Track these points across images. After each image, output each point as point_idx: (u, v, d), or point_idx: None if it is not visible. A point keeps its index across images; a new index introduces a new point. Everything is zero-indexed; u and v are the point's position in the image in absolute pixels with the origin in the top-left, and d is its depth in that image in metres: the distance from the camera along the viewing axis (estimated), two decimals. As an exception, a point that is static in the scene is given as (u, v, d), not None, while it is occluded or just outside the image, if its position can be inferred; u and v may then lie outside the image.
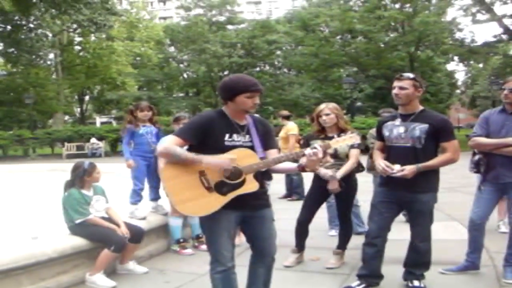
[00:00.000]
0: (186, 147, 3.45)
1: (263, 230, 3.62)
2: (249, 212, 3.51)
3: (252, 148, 3.45)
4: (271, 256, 3.69)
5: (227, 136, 3.42)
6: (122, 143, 6.52)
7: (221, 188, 3.32)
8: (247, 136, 3.49)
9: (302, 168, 3.49)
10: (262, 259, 3.68)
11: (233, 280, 3.57)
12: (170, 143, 3.38)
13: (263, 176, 3.56)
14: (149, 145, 6.31)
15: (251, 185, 3.37)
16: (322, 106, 5.34)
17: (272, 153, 3.59)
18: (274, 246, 3.70)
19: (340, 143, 3.50)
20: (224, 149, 3.36)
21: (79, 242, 4.97)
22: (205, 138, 3.39)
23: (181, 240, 6.13)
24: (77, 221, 4.98)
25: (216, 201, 3.32)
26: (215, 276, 3.52)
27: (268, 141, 3.60)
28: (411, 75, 4.36)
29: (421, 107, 4.40)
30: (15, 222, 6.50)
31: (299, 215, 5.45)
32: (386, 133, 4.47)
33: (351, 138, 3.51)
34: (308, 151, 3.33)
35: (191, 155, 3.31)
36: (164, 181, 3.47)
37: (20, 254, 4.47)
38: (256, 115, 3.81)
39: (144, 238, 5.45)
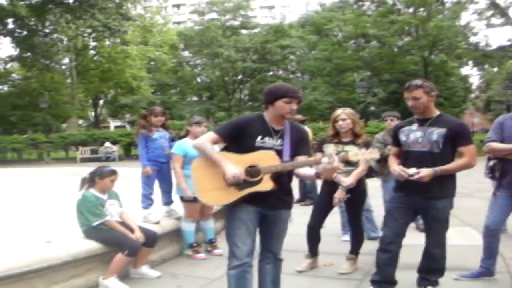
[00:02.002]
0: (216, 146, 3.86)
1: (274, 228, 3.83)
2: (267, 210, 3.72)
3: (281, 151, 3.67)
4: (273, 253, 3.87)
5: (259, 138, 3.68)
6: (138, 148, 6.47)
7: (239, 183, 3.54)
8: (280, 140, 3.72)
9: (318, 175, 3.64)
10: (266, 254, 3.88)
11: (247, 280, 3.67)
12: (206, 138, 3.75)
13: (289, 178, 3.83)
14: (162, 149, 6.31)
15: (266, 184, 3.56)
16: (339, 111, 5.32)
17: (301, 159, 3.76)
18: (279, 245, 3.92)
19: (359, 156, 3.64)
20: (254, 149, 3.63)
21: (92, 246, 4.99)
22: (239, 137, 3.68)
23: (194, 245, 6.13)
24: (95, 223, 5.00)
25: (232, 195, 3.60)
26: (230, 272, 3.65)
27: (300, 147, 3.80)
28: (419, 83, 4.26)
29: (437, 112, 4.36)
30: (29, 226, 6.54)
31: (309, 220, 5.45)
32: (402, 138, 4.43)
33: (371, 153, 3.62)
34: (324, 159, 3.44)
35: (215, 155, 3.63)
36: (193, 170, 3.75)
37: (34, 258, 4.48)
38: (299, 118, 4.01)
39: (157, 242, 5.45)
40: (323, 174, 3.54)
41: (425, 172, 4.11)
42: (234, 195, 3.59)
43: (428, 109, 4.32)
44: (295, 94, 3.70)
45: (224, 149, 3.77)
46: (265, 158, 3.58)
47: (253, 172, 3.56)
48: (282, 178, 3.68)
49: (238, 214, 3.66)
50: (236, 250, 3.64)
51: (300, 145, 3.80)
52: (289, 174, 3.79)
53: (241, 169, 3.53)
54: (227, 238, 3.76)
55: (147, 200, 6.29)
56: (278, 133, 3.73)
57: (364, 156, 3.62)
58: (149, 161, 6.25)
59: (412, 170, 4.16)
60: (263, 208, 3.70)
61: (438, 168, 4.13)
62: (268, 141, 3.68)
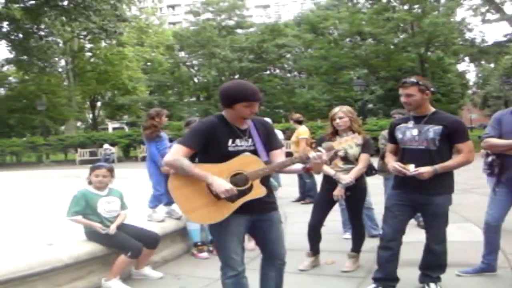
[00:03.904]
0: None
1: (271, 233, 3.64)
2: (257, 216, 3.53)
3: (255, 151, 3.47)
4: (281, 259, 3.70)
5: (230, 141, 3.42)
6: (150, 149, 6.51)
7: (232, 197, 3.32)
8: (250, 140, 3.50)
9: (308, 170, 3.54)
10: (272, 262, 3.69)
11: (245, 285, 3.59)
12: (177, 153, 3.37)
13: (268, 176, 3.58)
14: (168, 149, 6.42)
15: (258, 191, 3.40)
16: (336, 109, 5.31)
17: (276, 154, 3.60)
18: (283, 249, 3.73)
19: (343, 144, 3.52)
20: (228, 155, 3.38)
21: (94, 248, 4.99)
22: (209, 144, 3.39)
23: (199, 244, 6.14)
24: (68, 218, 5.04)
25: (226, 208, 3.35)
26: (227, 281, 3.54)
27: (271, 141, 3.61)
28: (414, 80, 4.27)
29: (433, 109, 4.37)
30: (30, 229, 6.55)
31: (310, 219, 5.43)
32: (399, 135, 4.44)
33: (353, 138, 3.52)
34: (312, 154, 3.36)
35: (197, 171, 3.30)
36: (173, 190, 3.41)
37: (36, 261, 4.49)
38: (267, 119, 3.85)
39: (159, 244, 5.45)
40: (314, 168, 3.48)
41: (424, 169, 4.12)
42: (227, 208, 3.35)
43: (423, 107, 4.32)
44: (255, 97, 3.39)
45: (191, 159, 3.46)
46: (250, 163, 3.38)
47: (238, 180, 3.34)
48: (265, 180, 3.50)
49: (228, 228, 3.43)
50: (231, 262, 3.49)
51: (270, 139, 3.60)
52: (268, 175, 3.59)
53: (226, 180, 3.30)
54: (219, 249, 3.60)
55: (157, 201, 6.41)
56: (245, 133, 3.50)
57: (347, 142, 3.50)
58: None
59: (411, 167, 4.18)
60: (252, 215, 3.49)
61: (437, 166, 4.14)
62: (240, 143, 3.44)
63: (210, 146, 3.39)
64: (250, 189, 3.37)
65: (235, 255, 3.48)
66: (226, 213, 3.35)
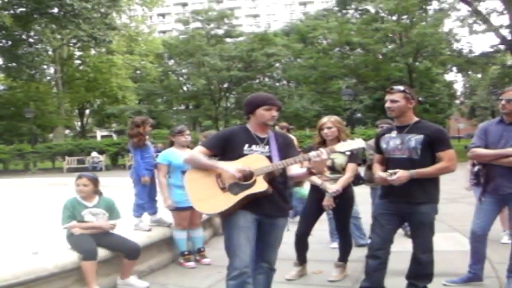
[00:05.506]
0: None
1: (269, 237, 3.85)
2: (265, 218, 3.75)
3: (269, 157, 3.74)
4: (268, 263, 3.90)
5: (246, 146, 3.78)
6: (135, 157, 6.45)
7: (234, 188, 3.65)
8: (267, 147, 3.81)
9: (310, 171, 3.70)
10: (260, 264, 3.87)
11: None
12: (196, 151, 3.90)
13: (284, 185, 3.92)
14: (152, 158, 6.41)
15: (260, 186, 3.63)
16: (325, 119, 5.34)
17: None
18: (274, 255, 3.94)
19: (346, 147, 3.69)
20: (242, 156, 3.74)
21: (80, 257, 4.93)
22: (227, 148, 3.82)
23: (186, 253, 6.12)
24: (62, 226, 5.01)
25: (228, 200, 3.65)
26: (229, 283, 3.63)
27: (287, 151, 3.86)
28: (401, 88, 4.36)
29: (416, 118, 4.40)
30: (15, 237, 6.48)
31: (297, 228, 5.44)
32: (383, 145, 4.47)
33: (356, 142, 3.71)
34: (312, 153, 3.56)
35: (209, 161, 3.77)
36: (187, 182, 3.85)
37: (21, 270, 4.43)
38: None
39: (141, 254, 5.35)
40: (315, 168, 3.62)
41: (401, 173, 4.14)
42: (229, 200, 3.63)
43: (406, 115, 4.35)
44: (273, 101, 3.83)
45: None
46: (256, 161, 3.67)
47: (245, 175, 3.62)
48: (277, 184, 3.73)
49: (236, 222, 3.68)
50: (234, 260, 3.62)
51: (287, 150, 3.87)
52: (284, 182, 3.88)
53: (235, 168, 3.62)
54: (226, 247, 3.75)
55: (141, 209, 6.35)
56: (263, 140, 3.83)
57: (350, 145, 3.69)
58: (145, 170, 6.31)
59: (385, 174, 4.22)
60: (261, 215, 3.73)
61: (414, 171, 4.16)
62: (256, 148, 3.77)
63: (227, 149, 3.82)
64: (253, 184, 3.63)
65: (239, 252, 3.63)
66: (227, 205, 3.64)
